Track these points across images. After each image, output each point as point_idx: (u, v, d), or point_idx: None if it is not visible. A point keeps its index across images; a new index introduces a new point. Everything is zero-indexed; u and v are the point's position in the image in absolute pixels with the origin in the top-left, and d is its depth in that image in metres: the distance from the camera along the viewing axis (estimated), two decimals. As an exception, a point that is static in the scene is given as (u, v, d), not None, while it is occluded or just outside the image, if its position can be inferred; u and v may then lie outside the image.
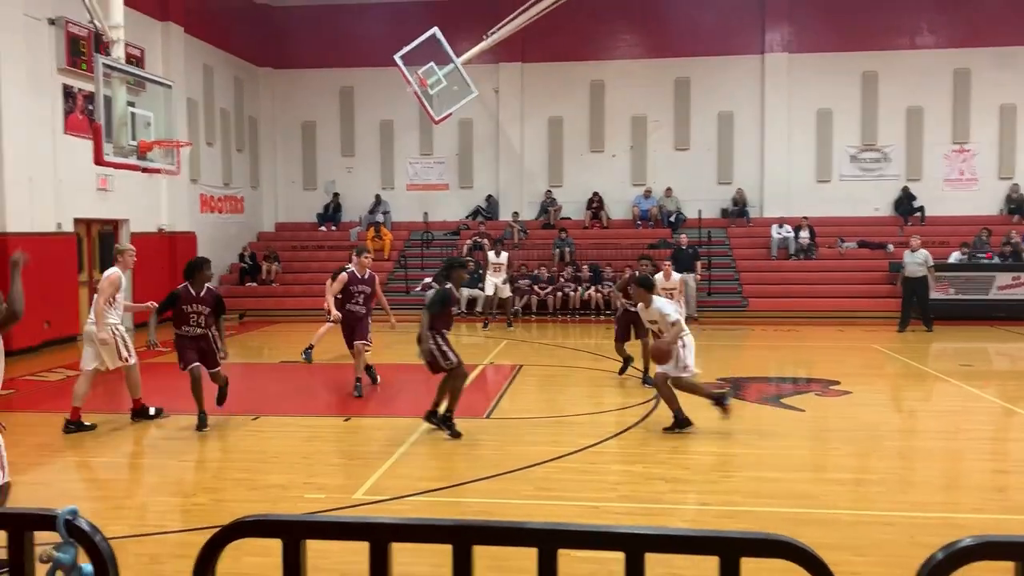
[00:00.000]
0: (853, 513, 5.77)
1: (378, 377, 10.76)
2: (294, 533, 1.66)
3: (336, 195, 23.04)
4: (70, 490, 6.69)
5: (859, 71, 21.56)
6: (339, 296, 10.08)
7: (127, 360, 8.59)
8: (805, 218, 20.74)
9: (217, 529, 5.74)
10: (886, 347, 14.00)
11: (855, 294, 18.83)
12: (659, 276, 11.30)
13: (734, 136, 22.10)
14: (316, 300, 19.54)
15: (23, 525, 1.69)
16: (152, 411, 8.83)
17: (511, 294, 17.49)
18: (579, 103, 22.39)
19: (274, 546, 2.03)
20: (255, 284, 20.47)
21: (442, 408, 7.91)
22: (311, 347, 12.80)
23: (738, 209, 21.68)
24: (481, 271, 19.58)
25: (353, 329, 10.14)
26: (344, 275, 10.14)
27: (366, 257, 10.23)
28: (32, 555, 1.74)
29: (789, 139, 21.86)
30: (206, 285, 8.62)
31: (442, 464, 7.13)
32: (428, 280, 19.27)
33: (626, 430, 8.07)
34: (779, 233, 20.63)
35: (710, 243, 20.13)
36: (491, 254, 17.68)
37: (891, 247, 19.80)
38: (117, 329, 8.57)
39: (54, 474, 7.03)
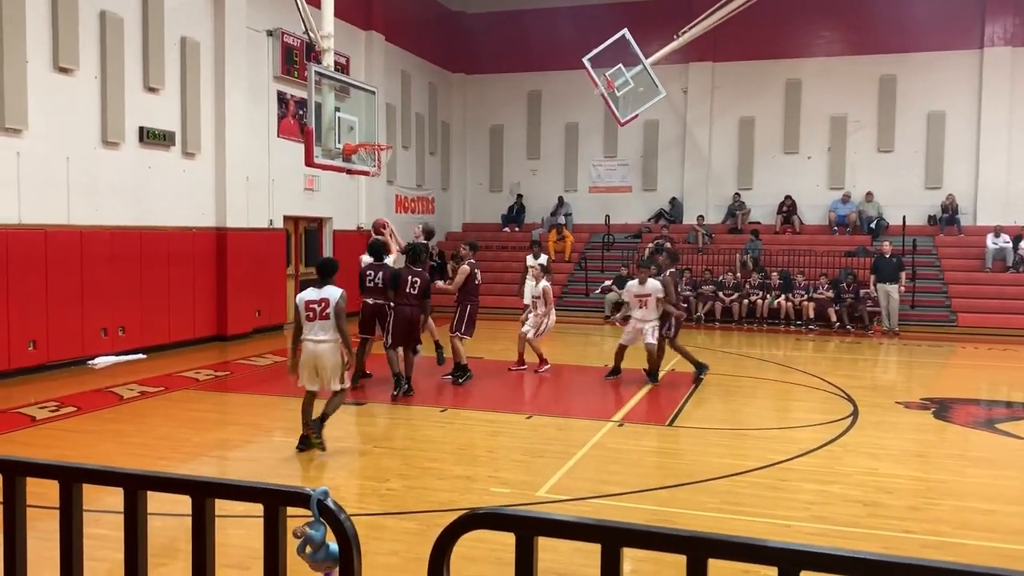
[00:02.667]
0: (1085, 557, 5.20)
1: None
2: (528, 528, 1.70)
3: (520, 197, 23.53)
4: (275, 468, 7.26)
5: (1098, 64, 19.37)
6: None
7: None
8: (1027, 227, 18.90)
9: (412, 515, 5.99)
10: (1124, 374, 12.49)
11: (1086, 313, 16.92)
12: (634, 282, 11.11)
13: (945, 137, 20.49)
14: (497, 299, 20.10)
15: (278, 500, 1.84)
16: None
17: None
18: (773, 103, 21.58)
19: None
20: (442, 282, 21.24)
21: None
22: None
23: (948, 216, 20.08)
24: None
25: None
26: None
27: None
28: (285, 527, 1.90)
29: (1009, 141, 19.97)
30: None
31: (622, 469, 7.11)
32: (608, 283, 19.28)
33: (819, 447, 7.69)
34: (995, 243, 18.90)
35: (915, 252, 18.77)
36: (529, 258, 14.33)
37: None
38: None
39: (261, 451, 7.65)
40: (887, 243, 17.62)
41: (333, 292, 7.21)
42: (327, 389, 7.38)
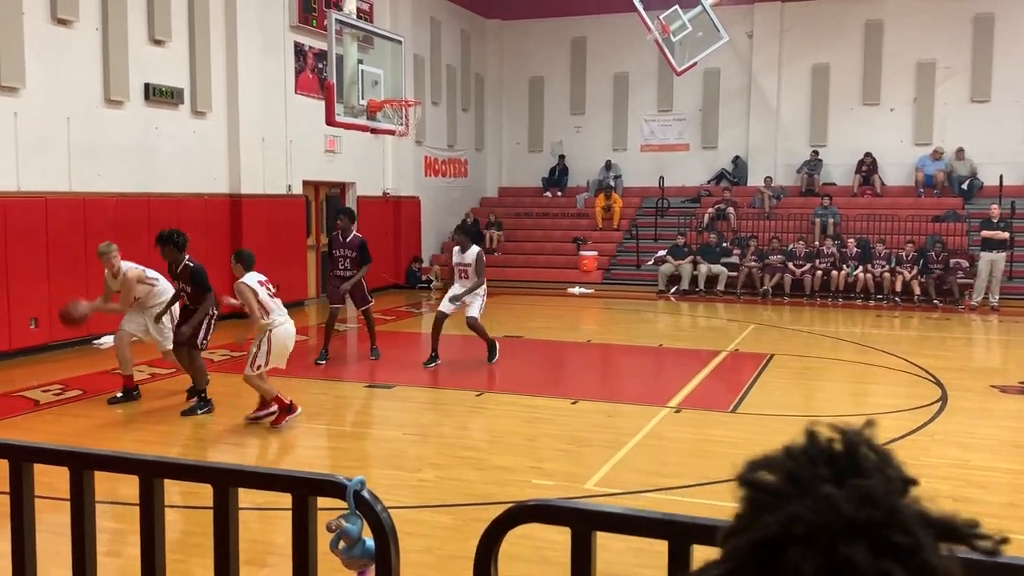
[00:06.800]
0: None
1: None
2: (586, 523, 1.69)
3: (562, 157, 23.38)
4: (299, 456, 7.38)
5: None
6: None
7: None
8: None
9: (447, 508, 6.04)
10: None
11: None
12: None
13: (1051, 84, 19.91)
14: (537, 272, 20.11)
15: (309, 490, 1.86)
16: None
17: (475, 314, 10.62)
18: (850, 47, 21.11)
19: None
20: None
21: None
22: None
23: (1052, 175, 19.55)
24: (725, 244, 19.16)
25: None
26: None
27: None
28: (316, 520, 1.92)
29: None
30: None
31: (680, 460, 7.10)
32: (662, 253, 19.16)
33: (902, 437, 7.60)
34: (1108, 205, 18.39)
35: (1013, 216, 18.32)
36: (456, 249, 11.12)
37: None
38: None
39: (283, 437, 7.76)
40: (995, 206, 17.20)
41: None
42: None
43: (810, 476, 0.80)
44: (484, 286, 10.69)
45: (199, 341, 8.58)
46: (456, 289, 10.70)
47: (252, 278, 7.81)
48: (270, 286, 7.94)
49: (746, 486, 0.82)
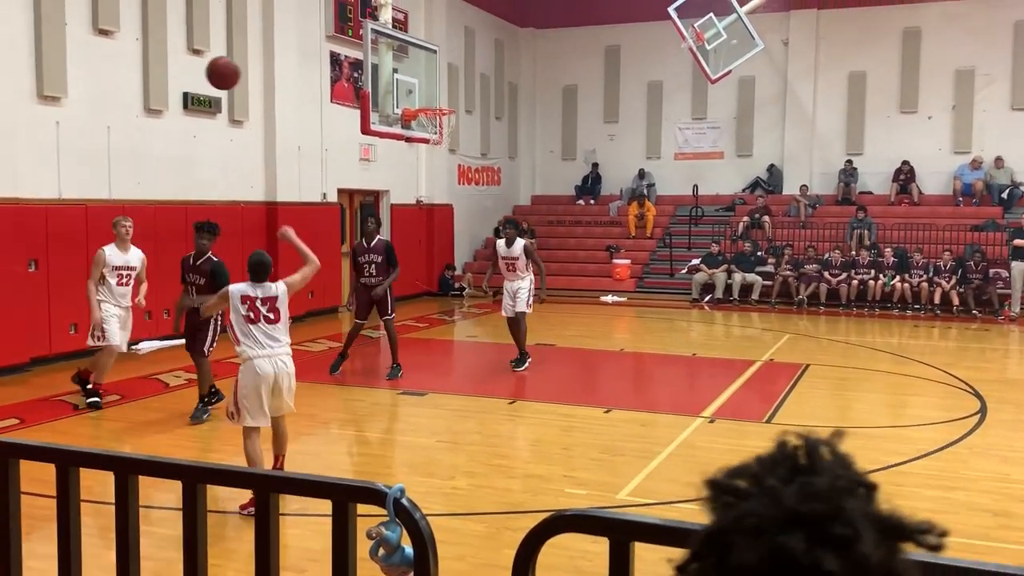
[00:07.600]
0: None
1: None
2: (625, 533, 1.69)
3: (595, 165, 23.37)
4: (331, 462, 7.44)
5: None
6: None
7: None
8: None
9: (480, 516, 6.05)
10: None
11: None
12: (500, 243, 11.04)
13: (1094, 91, 19.57)
14: (571, 280, 20.08)
15: (349, 497, 1.89)
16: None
17: (525, 310, 10.82)
18: (887, 55, 20.91)
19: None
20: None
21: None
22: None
23: (1095, 184, 19.23)
24: (760, 252, 19.03)
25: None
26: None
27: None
28: (355, 526, 1.94)
29: None
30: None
31: (714, 470, 7.05)
32: (696, 262, 19.06)
33: (941, 449, 7.50)
34: None
35: (1054, 226, 18.04)
36: (500, 244, 11.15)
37: None
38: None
39: (317, 444, 7.83)
40: (1026, 216, 16.98)
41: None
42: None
43: (770, 477, 0.84)
44: (530, 280, 10.78)
45: (205, 348, 8.60)
46: (508, 290, 10.81)
47: (236, 289, 6.10)
48: (259, 306, 6.02)
49: (711, 488, 0.87)
